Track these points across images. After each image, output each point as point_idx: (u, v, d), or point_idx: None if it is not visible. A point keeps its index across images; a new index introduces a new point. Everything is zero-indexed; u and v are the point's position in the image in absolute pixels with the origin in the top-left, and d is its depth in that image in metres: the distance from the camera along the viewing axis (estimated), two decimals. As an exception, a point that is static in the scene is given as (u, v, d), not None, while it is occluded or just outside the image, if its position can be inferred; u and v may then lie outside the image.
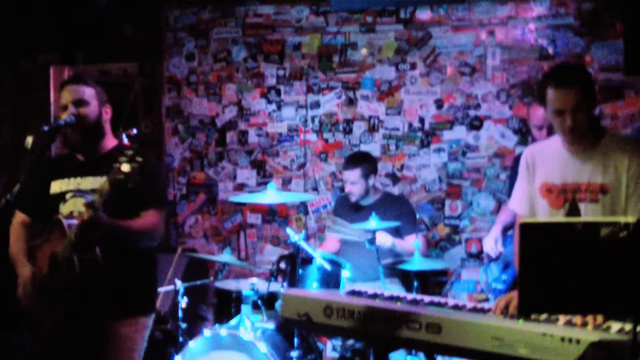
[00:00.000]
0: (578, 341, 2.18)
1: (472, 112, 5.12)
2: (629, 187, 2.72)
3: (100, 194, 2.69)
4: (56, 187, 3.06)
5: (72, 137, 3.01)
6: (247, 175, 5.60)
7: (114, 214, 2.84)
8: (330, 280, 4.00)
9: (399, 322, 2.54)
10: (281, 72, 5.53)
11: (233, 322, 4.03)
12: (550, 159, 2.86)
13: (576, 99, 2.69)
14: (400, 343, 2.70)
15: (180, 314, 4.14)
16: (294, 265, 3.94)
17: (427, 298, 2.85)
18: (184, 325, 4.14)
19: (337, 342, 4.32)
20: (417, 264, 4.13)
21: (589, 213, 2.74)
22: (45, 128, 2.88)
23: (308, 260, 4.01)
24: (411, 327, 2.51)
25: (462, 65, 5.15)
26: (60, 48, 5.77)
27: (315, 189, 5.45)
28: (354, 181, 4.52)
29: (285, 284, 3.97)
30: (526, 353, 2.26)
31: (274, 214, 5.48)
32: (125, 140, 3.18)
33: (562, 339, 2.20)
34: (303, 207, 5.48)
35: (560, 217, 2.79)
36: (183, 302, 4.13)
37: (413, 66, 5.24)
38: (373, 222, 4.08)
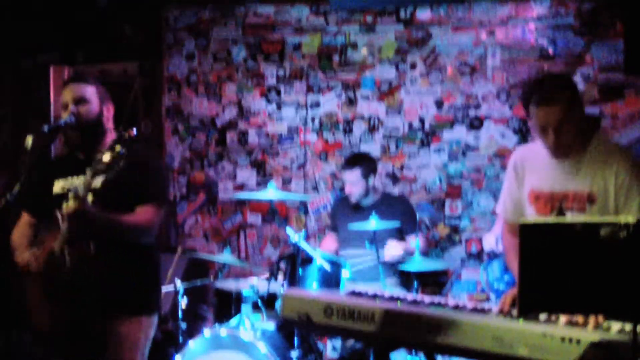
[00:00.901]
0: (578, 341, 2.18)
1: (472, 112, 5.12)
2: (618, 197, 2.70)
3: (85, 185, 2.71)
4: (58, 186, 3.06)
5: (72, 136, 3.01)
6: (247, 175, 5.60)
7: (109, 209, 2.84)
8: (330, 280, 4.00)
9: (399, 322, 2.54)
10: (281, 72, 5.53)
11: (233, 322, 4.03)
12: (539, 165, 2.84)
13: (559, 117, 2.66)
14: (400, 343, 2.70)
15: (180, 314, 4.14)
16: (294, 265, 3.94)
17: (427, 298, 2.84)
18: (184, 325, 4.14)
19: (337, 342, 4.32)
20: (417, 264, 4.13)
21: None
22: (45, 128, 2.88)
23: (308, 260, 4.01)
24: (411, 327, 2.51)
25: (462, 65, 5.14)
26: (60, 48, 5.77)
27: (315, 189, 5.45)
28: (353, 182, 4.52)
29: (285, 284, 3.98)
30: (526, 353, 2.25)
31: (274, 214, 5.48)
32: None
33: (562, 339, 2.20)
34: (303, 207, 5.48)
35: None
36: (183, 302, 4.13)
37: (413, 66, 5.24)
38: (373, 222, 4.08)
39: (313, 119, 5.46)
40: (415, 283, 4.28)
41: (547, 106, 2.68)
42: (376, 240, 4.10)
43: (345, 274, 4.06)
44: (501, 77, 5.07)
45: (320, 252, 4.12)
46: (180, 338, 4.12)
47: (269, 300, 4.05)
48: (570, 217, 2.75)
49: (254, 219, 5.58)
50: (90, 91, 3.04)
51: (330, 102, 5.42)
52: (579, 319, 2.41)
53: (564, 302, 2.16)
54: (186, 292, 4.17)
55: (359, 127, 5.36)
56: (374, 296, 2.86)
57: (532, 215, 2.85)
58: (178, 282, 4.18)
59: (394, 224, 4.25)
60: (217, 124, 5.66)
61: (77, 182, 3.03)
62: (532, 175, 2.88)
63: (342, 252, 4.61)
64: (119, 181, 2.85)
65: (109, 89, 3.18)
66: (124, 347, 2.99)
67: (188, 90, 5.72)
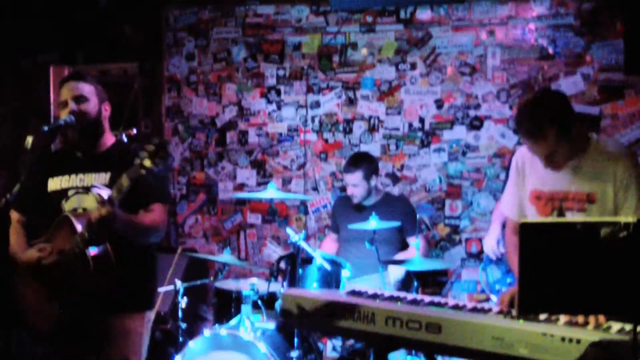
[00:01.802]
0: (578, 341, 2.18)
1: (472, 112, 5.12)
2: (618, 196, 2.71)
3: (119, 190, 2.70)
4: (55, 184, 3.05)
5: (71, 135, 3.01)
6: (247, 175, 5.60)
7: (123, 210, 2.85)
8: (330, 280, 4.00)
9: (399, 322, 2.54)
10: (281, 72, 5.52)
11: (233, 322, 4.03)
12: (540, 166, 2.86)
13: (547, 149, 2.70)
14: (400, 343, 2.70)
15: (180, 314, 4.13)
16: (294, 265, 3.94)
17: (427, 298, 2.85)
18: (184, 325, 4.13)
19: (337, 342, 4.32)
20: (417, 264, 4.12)
21: None
22: (45, 128, 2.88)
23: (308, 260, 4.01)
24: (411, 327, 2.51)
25: (462, 65, 5.14)
26: (60, 48, 5.77)
27: (315, 189, 5.45)
28: (355, 183, 4.51)
29: (285, 284, 3.97)
30: (526, 353, 2.26)
31: (274, 214, 5.48)
32: (125, 140, 3.18)
33: (563, 339, 2.20)
34: (303, 207, 5.48)
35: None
36: (183, 302, 4.13)
37: (413, 66, 5.24)
38: (373, 222, 4.07)
39: (313, 119, 5.46)
40: (415, 283, 4.28)
41: (532, 142, 2.72)
42: (376, 240, 4.10)
43: (345, 273, 4.06)
44: (501, 77, 5.07)
45: (321, 252, 4.12)
46: (180, 338, 4.12)
47: (269, 300, 4.05)
48: (571, 217, 2.76)
49: (254, 219, 5.58)
50: (89, 90, 3.04)
51: (330, 102, 5.42)
52: (579, 318, 2.41)
53: (564, 302, 2.16)
54: (186, 292, 4.16)
55: (359, 127, 5.36)
56: (374, 296, 2.86)
57: (533, 215, 2.86)
58: (178, 282, 4.17)
59: (394, 224, 4.24)
60: (217, 124, 5.66)
61: (77, 180, 3.03)
62: (533, 175, 2.90)
63: (342, 252, 4.61)
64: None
65: (108, 89, 3.18)
66: (129, 342, 3.02)
67: (188, 90, 5.72)
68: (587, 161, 2.77)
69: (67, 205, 3.00)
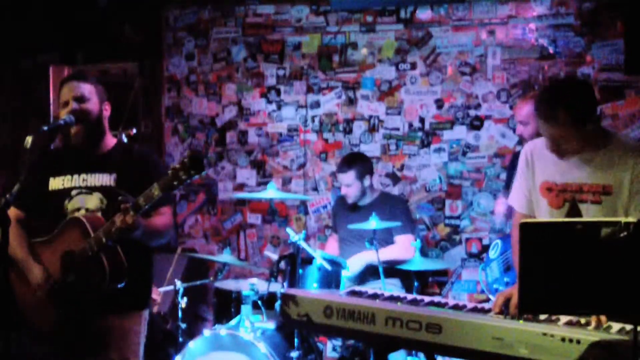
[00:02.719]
0: (578, 341, 2.18)
1: (472, 112, 5.12)
2: (633, 185, 2.69)
3: (148, 199, 2.70)
4: (57, 183, 3.05)
5: (71, 135, 3.01)
6: (247, 175, 5.60)
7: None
8: (330, 280, 3.99)
9: (399, 322, 2.54)
10: (281, 72, 5.52)
11: (233, 322, 4.02)
12: (551, 158, 2.83)
13: (556, 132, 2.68)
14: (400, 343, 2.70)
15: (180, 314, 4.13)
16: (294, 265, 3.94)
17: (427, 298, 2.84)
18: (184, 325, 4.14)
19: (337, 342, 4.31)
20: (417, 264, 4.12)
21: (590, 214, 2.72)
22: (45, 128, 2.87)
23: (308, 260, 4.01)
24: (411, 327, 2.51)
25: (462, 65, 5.14)
26: (60, 48, 5.77)
27: (315, 189, 5.45)
28: (348, 183, 4.50)
29: (285, 284, 3.97)
30: (526, 353, 2.26)
31: (274, 214, 5.47)
32: (125, 140, 3.18)
33: (563, 339, 2.20)
34: (303, 207, 5.48)
35: (560, 218, 2.78)
36: (183, 302, 4.13)
37: (413, 66, 5.24)
38: (373, 222, 4.07)
39: (313, 119, 5.45)
40: (416, 283, 4.28)
41: (543, 122, 2.71)
42: (376, 239, 4.09)
43: (345, 273, 4.06)
44: (501, 76, 5.07)
45: (321, 252, 4.11)
46: (180, 338, 4.12)
47: (269, 300, 4.04)
48: (585, 209, 2.74)
49: (254, 219, 5.58)
50: (90, 89, 3.04)
51: (330, 102, 5.42)
52: (580, 318, 2.41)
53: (564, 303, 2.16)
54: (186, 292, 4.16)
55: (359, 127, 5.36)
56: (374, 296, 2.86)
57: (544, 208, 2.84)
58: (178, 282, 4.18)
59: (391, 223, 4.23)
60: (217, 124, 5.66)
61: (79, 180, 3.03)
62: (543, 168, 2.88)
63: (342, 252, 4.61)
64: (133, 185, 2.88)
65: (108, 89, 3.18)
66: (127, 341, 3.03)
67: (188, 90, 5.72)
68: (602, 155, 2.74)
69: (70, 205, 3.00)
